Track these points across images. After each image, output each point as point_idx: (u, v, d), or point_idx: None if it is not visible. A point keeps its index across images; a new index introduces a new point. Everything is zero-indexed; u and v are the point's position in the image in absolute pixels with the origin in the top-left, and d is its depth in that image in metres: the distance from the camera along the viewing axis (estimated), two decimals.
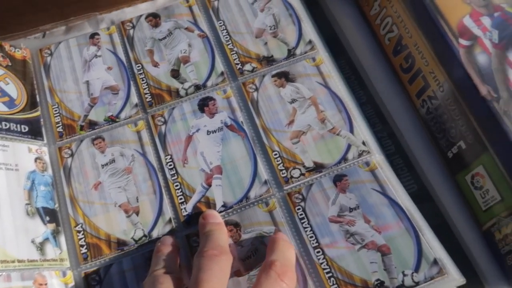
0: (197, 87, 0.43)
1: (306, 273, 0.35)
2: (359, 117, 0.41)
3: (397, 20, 0.45)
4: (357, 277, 0.35)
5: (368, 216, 0.36)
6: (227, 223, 0.37)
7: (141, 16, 0.47)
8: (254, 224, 0.37)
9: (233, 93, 0.43)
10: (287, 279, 0.32)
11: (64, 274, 0.37)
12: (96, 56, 0.46)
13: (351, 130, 0.40)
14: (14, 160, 0.39)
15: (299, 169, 0.39)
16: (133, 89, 0.44)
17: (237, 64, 0.44)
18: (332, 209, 0.37)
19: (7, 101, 0.42)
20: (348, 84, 0.46)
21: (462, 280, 0.34)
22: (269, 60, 0.44)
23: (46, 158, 0.42)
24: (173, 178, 0.40)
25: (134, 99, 0.44)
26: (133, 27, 0.47)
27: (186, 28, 0.46)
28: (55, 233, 0.38)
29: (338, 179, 0.38)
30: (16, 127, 0.41)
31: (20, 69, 0.45)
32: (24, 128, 0.42)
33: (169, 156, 0.41)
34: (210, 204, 0.39)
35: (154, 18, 0.47)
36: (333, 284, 0.34)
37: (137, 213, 0.39)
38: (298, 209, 0.37)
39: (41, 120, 0.43)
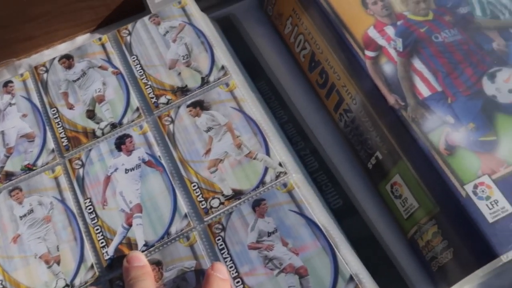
0: (113, 126, 0.43)
1: None
2: (276, 138, 0.41)
3: (308, 37, 0.46)
4: None
5: (285, 239, 0.36)
6: (149, 263, 0.37)
7: (54, 59, 0.47)
8: (176, 260, 0.37)
9: (149, 128, 0.42)
10: None
11: None
12: (10, 104, 0.45)
13: (267, 153, 0.40)
14: None
15: (218, 198, 0.38)
16: (49, 134, 0.43)
17: (152, 97, 0.44)
18: (251, 235, 0.36)
19: None
20: (269, 105, 0.47)
21: None
22: (183, 91, 0.43)
23: None
24: (93, 222, 0.39)
25: (51, 144, 0.43)
26: (47, 71, 0.46)
27: (99, 67, 0.46)
28: None
29: (256, 204, 0.38)
30: None
31: None
32: None
33: (88, 200, 0.40)
34: (131, 245, 0.38)
35: (67, 60, 0.47)
36: None
37: (58, 263, 0.38)
38: (218, 239, 0.37)
39: None
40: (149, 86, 0.44)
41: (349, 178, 0.43)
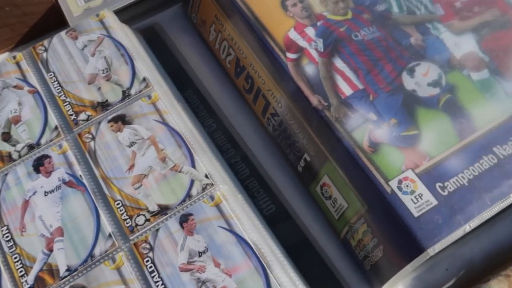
0: (31, 147, 0.40)
1: None
2: (202, 149, 0.40)
3: (231, 43, 0.45)
4: None
5: (217, 259, 0.34)
6: None
7: None
8: (102, 285, 0.35)
9: (69, 146, 0.40)
10: None
11: None
12: None
13: (193, 165, 0.38)
14: None
15: (144, 215, 0.37)
16: None
17: (71, 115, 0.42)
18: (182, 256, 0.35)
19: None
20: (197, 114, 0.45)
21: None
22: (104, 106, 0.42)
23: None
24: (11, 251, 0.37)
25: None
26: None
27: (14, 86, 0.43)
28: None
29: (184, 220, 0.36)
30: None
31: None
32: None
33: (5, 228, 0.37)
34: (53, 271, 0.36)
35: None
36: None
37: None
38: (147, 261, 0.35)
39: None
40: (67, 103, 0.42)
41: (280, 183, 0.42)
